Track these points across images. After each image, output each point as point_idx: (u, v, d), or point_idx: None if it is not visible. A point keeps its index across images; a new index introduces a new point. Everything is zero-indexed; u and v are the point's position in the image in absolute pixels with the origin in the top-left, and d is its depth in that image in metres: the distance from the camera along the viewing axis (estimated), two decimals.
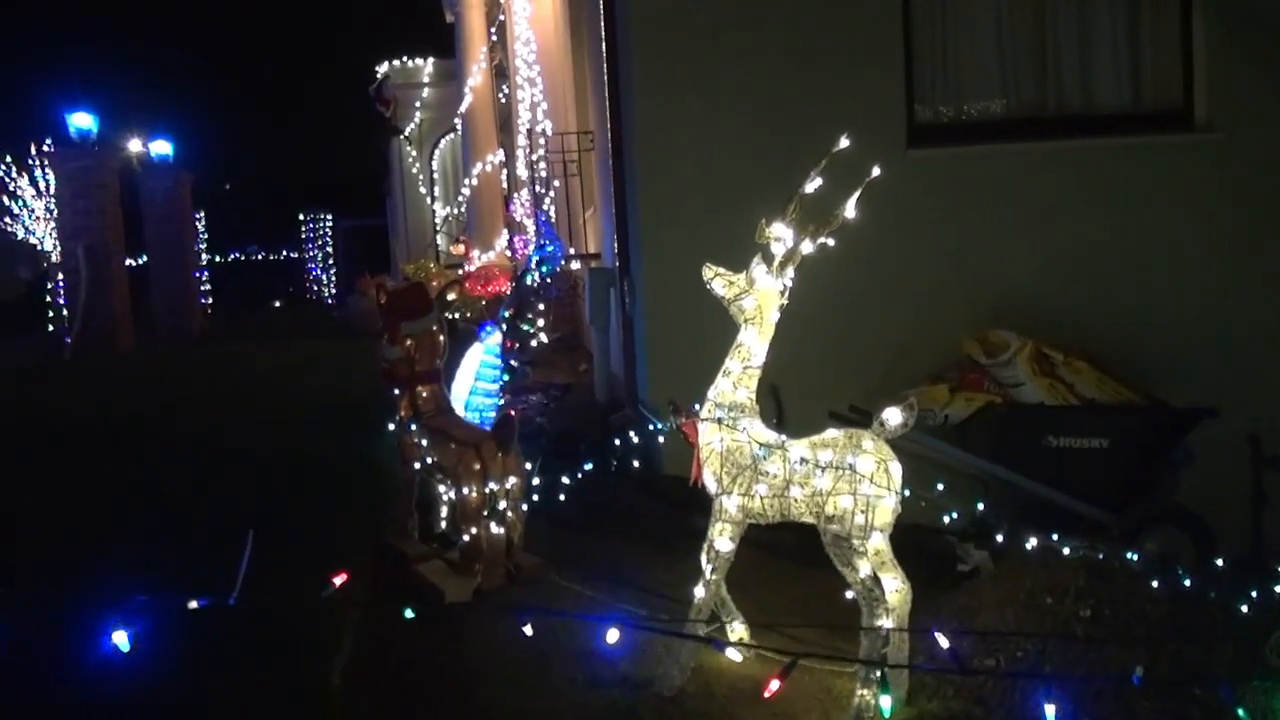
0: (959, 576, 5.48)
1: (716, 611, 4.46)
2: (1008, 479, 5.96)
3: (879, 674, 3.82)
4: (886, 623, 4.13)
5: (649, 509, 6.09)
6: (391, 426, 5.30)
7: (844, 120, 6.22)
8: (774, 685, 2.48)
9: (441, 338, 5.27)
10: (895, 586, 4.19)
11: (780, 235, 4.07)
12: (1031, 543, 5.21)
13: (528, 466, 5.28)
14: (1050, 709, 2.51)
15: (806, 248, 4.20)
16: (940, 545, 5.78)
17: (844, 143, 4.09)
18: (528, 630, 2.58)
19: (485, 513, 4.86)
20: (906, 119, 6.97)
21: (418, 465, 5.18)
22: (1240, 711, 2.50)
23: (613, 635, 2.46)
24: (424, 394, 5.21)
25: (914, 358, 6.67)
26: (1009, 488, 5.99)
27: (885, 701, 2.49)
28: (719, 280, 4.26)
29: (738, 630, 4.50)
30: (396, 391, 5.25)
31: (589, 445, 6.36)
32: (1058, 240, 6.86)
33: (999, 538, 5.41)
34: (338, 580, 2.59)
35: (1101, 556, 5.18)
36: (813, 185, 4.08)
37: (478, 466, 4.82)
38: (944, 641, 2.78)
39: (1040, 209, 6.90)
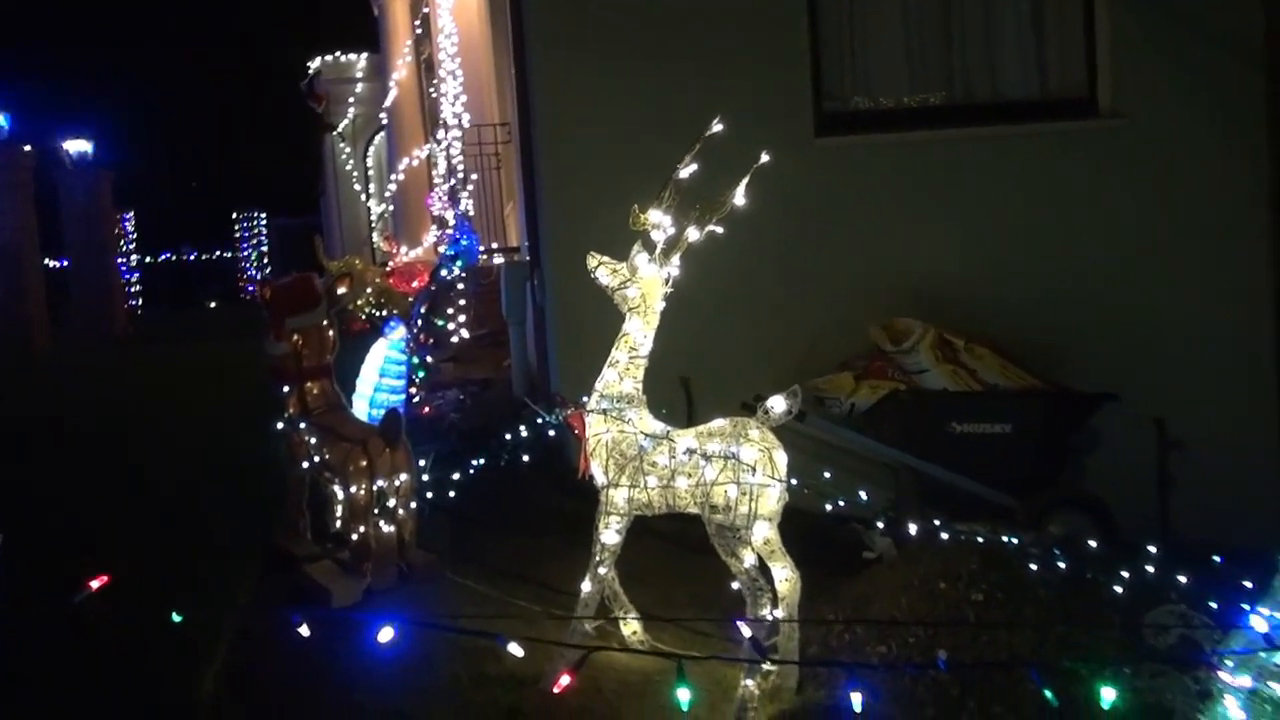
0: (864, 564, 5.46)
1: (608, 604, 4.41)
2: (914, 465, 5.97)
3: (755, 666, 3.78)
4: (778, 613, 4.10)
5: (556, 503, 6.00)
6: (280, 425, 5.16)
7: (751, 110, 6.26)
8: (564, 680, 2.41)
9: (331, 333, 5.14)
10: (785, 576, 4.16)
11: (657, 222, 4.00)
12: (935, 529, 5.22)
13: (422, 463, 5.17)
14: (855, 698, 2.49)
15: (693, 235, 4.14)
16: (847, 534, 5.78)
17: (717, 126, 4.03)
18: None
19: (375, 510, 4.74)
20: (814, 108, 6.95)
21: (306, 464, 5.06)
22: (1047, 693, 2.47)
23: (385, 635, 2.36)
24: (313, 390, 5.09)
25: (825, 346, 6.66)
26: (916, 474, 6.00)
27: (683, 694, 2.42)
28: (603, 269, 4.21)
29: (631, 624, 4.45)
30: (285, 389, 5.11)
31: (498, 440, 6.26)
32: (965, 227, 6.88)
33: (910, 526, 5.40)
34: (94, 584, 2.46)
35: (1004, 540, 5.21)
36: (687, 171, 4.02)
37: (364, 463, 4.71)
38: (746, 630, 2.74)
39: (947, 196, 6.92)
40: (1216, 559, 4.77)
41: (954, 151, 6.98)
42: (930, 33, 7.19)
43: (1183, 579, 4.28)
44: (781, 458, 4.04)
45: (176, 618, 2.58)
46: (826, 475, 5.41)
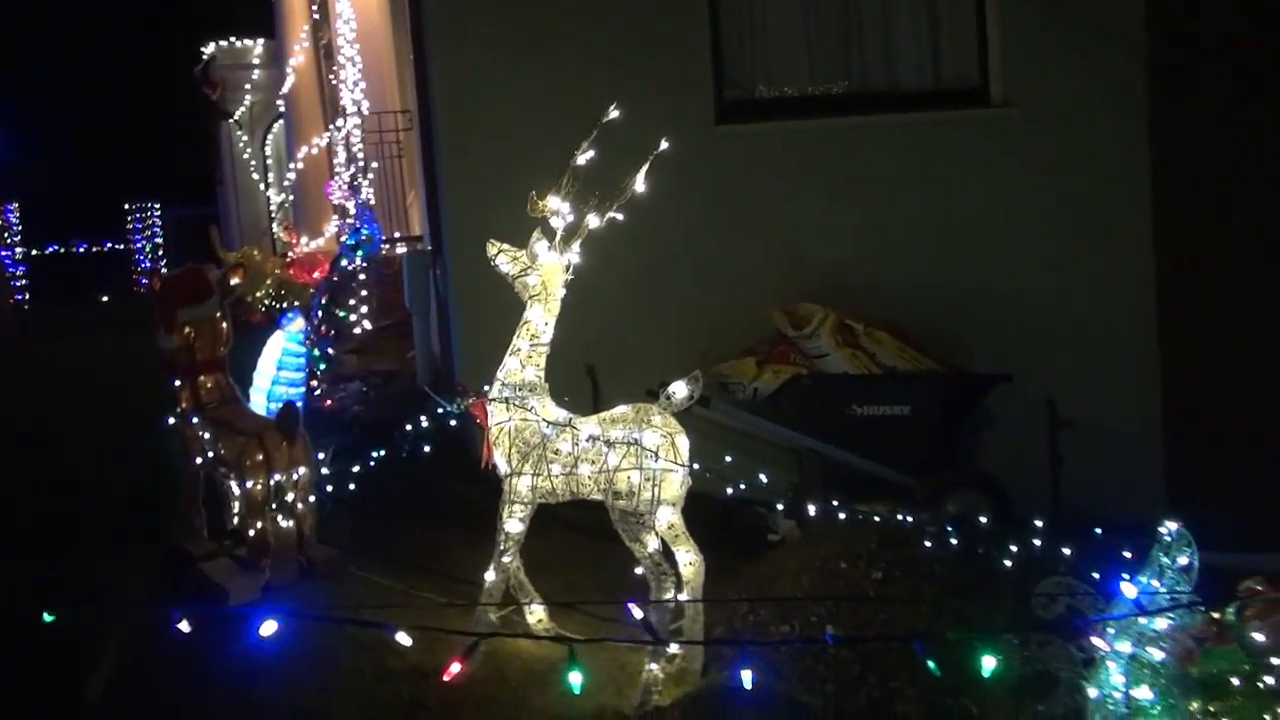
0: (768, 547, 5.54)
1: (513, 593, 4.39)
2: (816, 448, 6.08)
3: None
4: (682, 596, 4.14)
5: (460, 494, 5.95)
6: (172, 420, 5.01)
7: (653, 98, 6.27)
8: (454, 668, 2.41)
9: (225, 325, 5.02)
10: (689, 560, 4.20)
11: (556, 209, 3.99)
12: (835, 510, 5.32)
13: (321, 456, 5.08)
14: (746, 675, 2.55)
15: (593, 222, 4.14)
16: (751, 517, 5.86)
17: (614, 113, 4.04)
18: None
19: (273, 505, 4.65)
20: (715, 95, 7.00)
21: (200, 460, 4.93)
22: (930, 665, 2.56)
23: (268, 629, 2.33)
24: (207, 384, 4.96)
25: (729, 333, 6.72)
26: (819, 457, 6.11)
27: (575, 678, 2.44)
28: (503, 257, 4.19)
29: (536, 612, 4.44)
30: (177, 383, 4.97)
31: (400, 431, 6.18)
32: (863, 214, 7.01)
33: (810, 508, 5.49)
34: None
35: (902, 520, 5.34)
36: (585, 157, 4.02)
37: (260, 457, 4.61)
38: (638, 613, 2.77)
39: (846, 183, 7.04)
40: (1098, 531, 4.96)
41: (853, 139, 7.10)
42: (829, 22, 7.29)
43: (1068, 552, 4.45)
44: (684, 443, 4.07)
45: (48, 617, 2.48)
46: (729, 459, 5.46)
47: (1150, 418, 7.15)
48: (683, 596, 4.11)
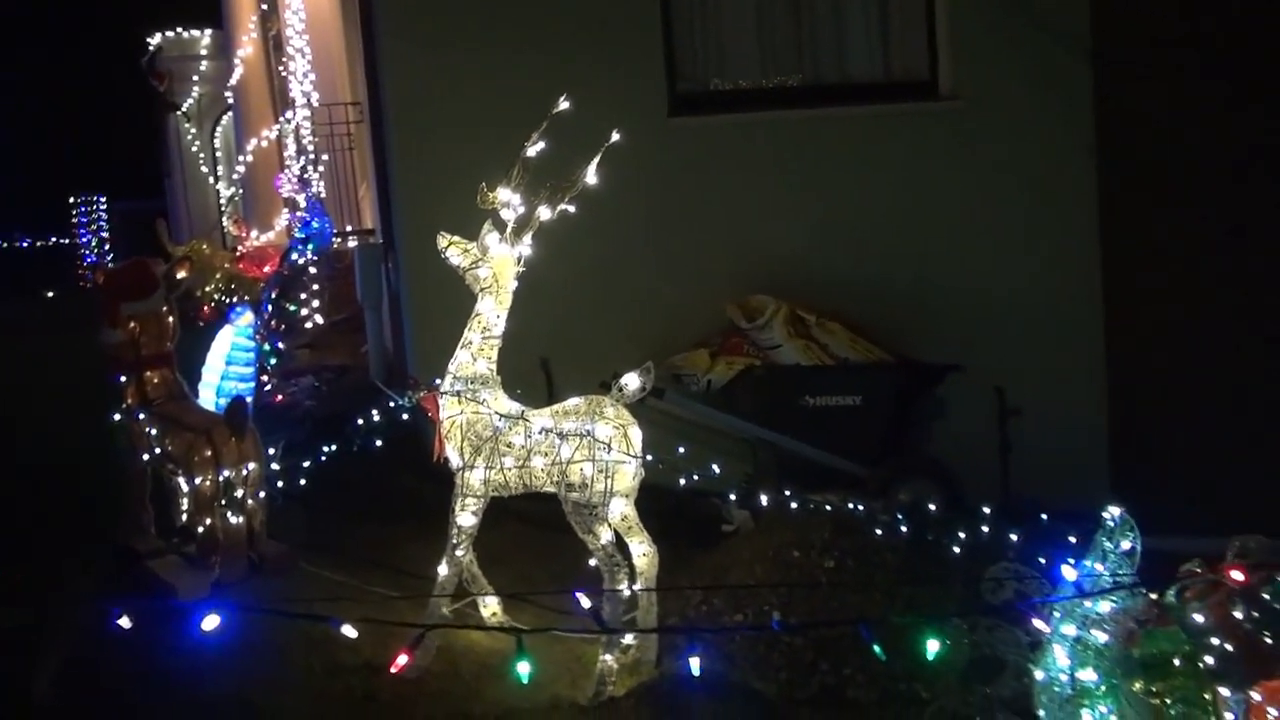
0: (722, 537, 5.57)
1: (466, 587, 4.38)
2: (770, 439, 6.12)
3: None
4: (636, 587, 4.15)
5: (413, 488, 5.92)
6: (118, 416, 4.93)
7: (605, 90, 6.26)
8: (402, 660, 2.40)
9: (171, 319, 4.95)
10: (642, 551, 4.22)
11: (506, 200, 3.98)
12: (788, 500, 5.36)
13: (271, 451, 5.03)
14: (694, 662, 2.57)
15: (544, 214, 4.13)
16: (706, 507, 5.88)
17: (564, 104, 4.04)
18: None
19: (222, 501, 4.59)
20: (668, 88, 7.00)
21: (147, 456, 4.86)
22: (876, 648, 2.60)
23: (210, 623, 2.30)
24: (153, 380, 4.89)
25: (683, 324, 6.74)
26: (772, 447, 6.16)
27: (523, 667, 2.45)
28: (454, 249, 4.17)
29: (490, 605, 4.43)
30: (122, 378, 4.89)
31: (351, 426, 6.12)
32: (815, 205, 7.05)
33: (763, 498, 5.52)
34: None
35: (854, 508, 5.39)
36: (535, 149, 4.01)
37: (209, 453, 4.56)
38: (585, 601, 2.79)
39: (797, 175, 7.07)
40: (1044, 517, 5.03)
41: (804, 132, 7.13)
42: (781, 15, 7.31)
43: (1015, 538, 4.52)
44: (637, 434, 4.08)
45: None
46: (681, 450, 5.48)
47: (1097, 406, 7.27)
48: (636, 587, 4.12)
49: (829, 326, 6.29)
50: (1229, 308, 7.34)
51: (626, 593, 4.02)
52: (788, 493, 5.27)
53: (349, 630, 2.28)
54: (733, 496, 5.65)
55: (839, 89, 7.33)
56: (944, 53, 7.33)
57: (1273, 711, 3.19)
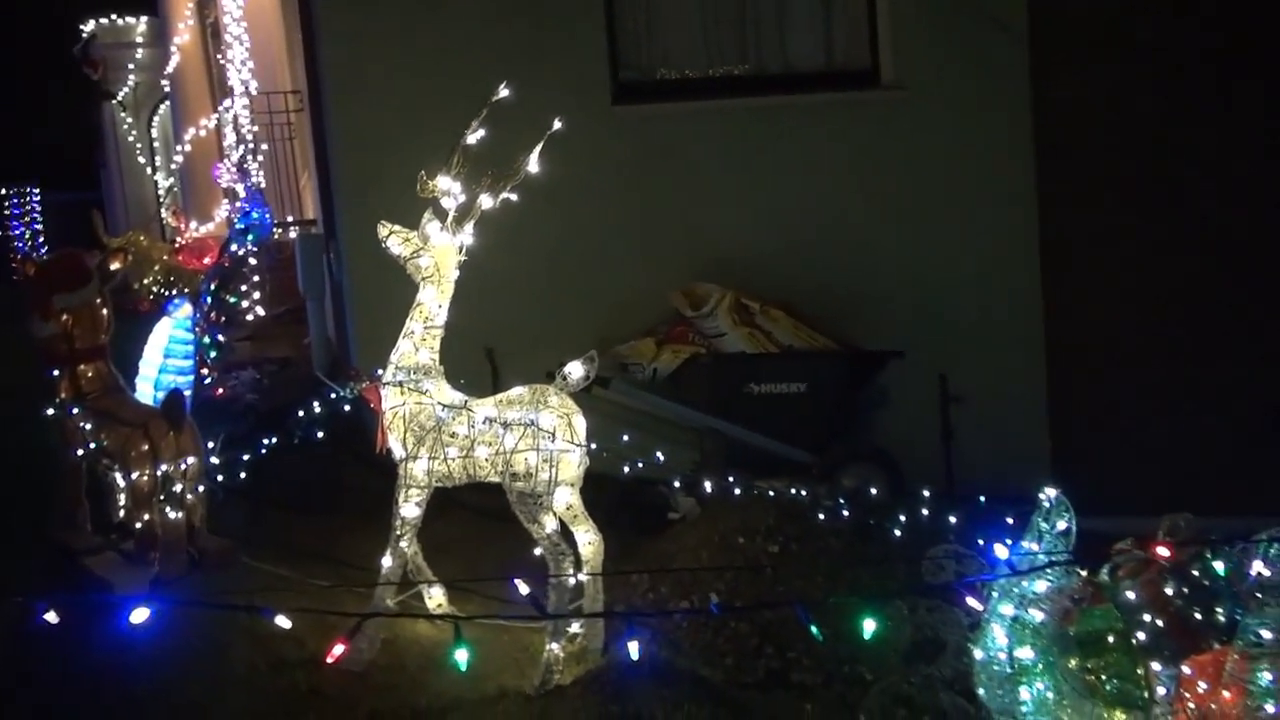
0: (669, 525, 5.59)
1: (412, 578, 4.35)
2: (716, 427, 6.15)
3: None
4: (582, 576, 4.15)
5: (357, 480, 5.86)
6: (50, 411, 4.82)
7: (549, 79, 6.24)
8: (338, 649, 2.38)
9: (105, 311, 4.84)
10: (588, 540, 4.22)
11: (446, 189, 3.95)
12: (733, 487, 5.39)
13: (211, 445, 4.95)
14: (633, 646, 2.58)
15: (486, 203, 4.11)
16: (653, 496, 5.90)
17: (503, 92, 4.01)
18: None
19: (160, 497, 4.51)
20: (611, 76, 6.99)
21: (81, 451, 4.75)
22: (813, 629, 2.63)
23: (139, 616, 2.27)
24: (87, 373, 4.78)
25: (630, 313, 6.74)
26: (719, 435, 6.19)
27: (460, 655, 2.44)
28: (394, 238, 4.14)
29: (435, 596, 4.41)
30: (55, 372, 4.78)
31: (293, 419, 6.04)
32: (758, 193, 7.08)
33: (708, 485, 5.55)
34: None
35: (798, 494, 5.44)
36: (475, 137, 3.98)
37: (146, 448, 4.47)
38: (524, 588, 2.80)
39: (741, 164, 7.10)
40: (983, 500, 5.12)
41: (747, 120, 7.16)
42: (724, 3, 7.32)
43: (954, 520, 4.59)
44: (581, 423, 4.08)
45: None
46: (625, 439, 5.49)
47: (1036, 391, 7.39)
48: (582, 575, 4.13)
49: (773, 314, 6.33)
50: (1165, 296, 7.51)
51: (572, 581, 4.02)
52: (733, 479, 5.30)
53: (283, 620, 2.25)
54: (678, 484, 5.67)
55: (782, 78, 7.38)
56: (885, 42, 7.40)
57: (1202, 684, 3.27)
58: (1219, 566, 3.42)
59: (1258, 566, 3.19)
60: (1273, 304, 7.40)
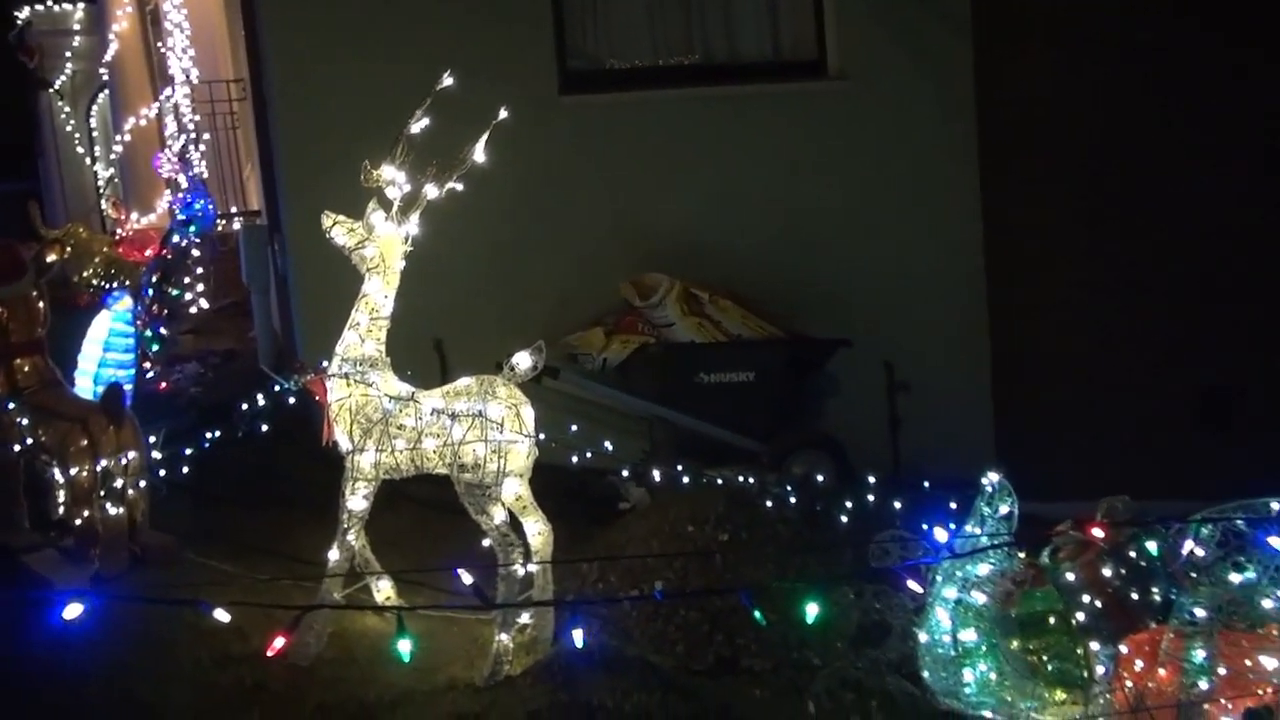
0: (619, 514, 5.60)
1: (361, 570, 4.32)
2: (666, 416, 6.18)
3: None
4: (532, 566, 4.15)
5: (304, 474, 5.80)
6: None
7: (495, 67, 6.20)
8: (278, 642, 2.37)
9: (41, 304, 4.75)
10: (537, 530, 4.21)
11: (390, 178, 3.92)
12: (683, 476, 5.41)
13: (153, 439, 4.88)
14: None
15: (431, 193, 4.08)
16: (604, 486, 5.91)
17: (447, 81, 3.99)
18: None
19: (100, 492, 4.44)
20: (558, 66, 6.96)
21: (18, 447, 4.66)
22: (756, 614, 2.67)
23: (72, 612, 2.23)
24: (24, 367, 4.69)
25: (579, 303, 6.73)
26: (669, 425, 6.21)
27: (404, 645, 2.44)
28: (339, 229, 4.10)
29: (383, 589, 4.38)
30: None
31: (237, 412, 5.97)
32: (707, 183, 7.10)
33: (657, 474, 5.57)
34: None
35: (747, 482, 5.48)
36: (419, 126, 3.95)
37: (85, 443, 4.39)
38: (467, 578, 2.79)
39: (689, 153, 7.11)
40: (927, 485, 5.19)
41: (696, 110, 7.17)
42: None
43: (899, 506, 4.65)
44: (529, 413, 4.07)
45: None
46: (574, 429, 5.49)
47: (981, 379, 7.50)
48: (531, 566, 4.12)
49: (722, 304, 6.37)
50: (1107, 283, 7.64)
51: (521, 572, 4.01)
52: (682, 468, 5.32)
53: (223, 614, 2.22)
54: (627, 474, 5.68)
55: (730, 68, 7.39)
56: (831, 33, 7.44)
57: (1139, 663, 3.36)
58: (1153, 547, 3.51)
59: (1189, 546, 3.27)
60: (1206, 294, 7.57)
